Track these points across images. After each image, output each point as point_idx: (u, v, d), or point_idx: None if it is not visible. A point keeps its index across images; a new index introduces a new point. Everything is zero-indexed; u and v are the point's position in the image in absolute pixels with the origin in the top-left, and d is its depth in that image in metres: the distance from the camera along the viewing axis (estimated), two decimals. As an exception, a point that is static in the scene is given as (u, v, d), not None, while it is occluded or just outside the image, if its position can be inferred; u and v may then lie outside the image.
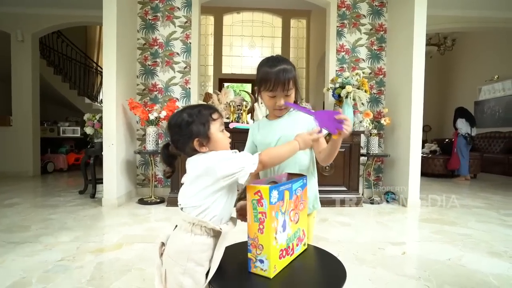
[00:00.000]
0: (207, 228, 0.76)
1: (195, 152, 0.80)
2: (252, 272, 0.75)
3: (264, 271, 0.73)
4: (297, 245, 0.85)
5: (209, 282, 0.74)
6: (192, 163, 0.79)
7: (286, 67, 0.93)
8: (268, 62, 0.95)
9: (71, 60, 6.68)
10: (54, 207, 2.85)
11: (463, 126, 4.90)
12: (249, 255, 0.76)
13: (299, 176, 0.89)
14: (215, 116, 0.80)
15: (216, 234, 0.77)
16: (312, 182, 1.06)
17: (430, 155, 5.28)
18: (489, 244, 1.98)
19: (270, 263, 0.72)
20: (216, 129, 0.80)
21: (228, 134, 0.83)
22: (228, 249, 0.91)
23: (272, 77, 0.92)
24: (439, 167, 5.18)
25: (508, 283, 1.46)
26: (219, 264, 0.75)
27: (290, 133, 0.96)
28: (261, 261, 0.73)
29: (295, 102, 1.02)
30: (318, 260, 0.90)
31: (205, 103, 3.02)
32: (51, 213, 2.64)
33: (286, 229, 0.78)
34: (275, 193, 0.72)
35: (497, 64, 6.58)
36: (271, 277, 0.73)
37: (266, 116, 1.10)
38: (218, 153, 0.78)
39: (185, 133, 0.78)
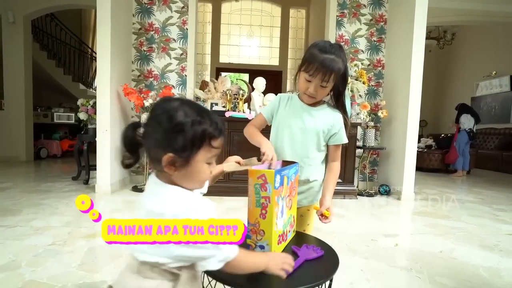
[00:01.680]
0: (161, 269, 0.53)
1: (155, 163, 0.55)
2: None
3: None
4: (289, 231, 0.84)
5: (207, 273, 0.63)
6: (149, 204, 0.55)
7: (335, 58, 0.88)
8: (320, 45, 0.91)
9: (65, 44, 6.53)
10: (46, 193, 2.82)
11: (466, 121, 4.89)
12: (248, 241, 0.74)
13: (292, 163, 0.88)
14: (215, 143, 0.55)
15: (175, 278, 0.54)
16: (321, 172, 1.07)
17: (425, 150, 5.30)
18: (480, 237, 2.00)
19: (271, 249, 0.71)
20: (203, 158, 0.55)
21: (215, 170, 0.64)
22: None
23: (316, 62, 0.88)
24: (434, 161, 5.21)
25: (497, 275, 1.48)
26: None
27: (311, 126, 0.99)
28: (262, 247, 0.72)
29: (337, 99, 1.00)
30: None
31: (218, 110, 2.94)
32: (43, 198, 2.60)
33: (283, 214, 0.77)
34: (278, 178, 0.70)
35: (495, 60, 6.57)
36: None
37: (298, 96, 1.04)
38: (180, 207, 0.52)
39: (166, 135, 0.52)
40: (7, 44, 4.48)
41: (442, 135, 5.74)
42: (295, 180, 0.86)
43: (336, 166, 1.05)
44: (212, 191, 2.86)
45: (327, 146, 1.05)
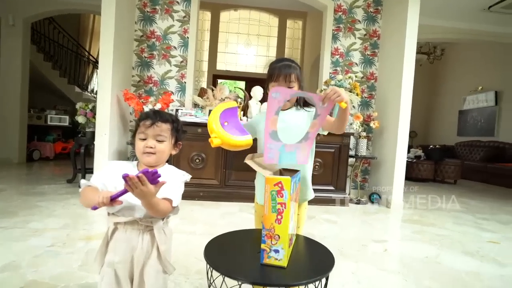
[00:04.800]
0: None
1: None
2: (265, 264, 0.77)
3: (279, 260, 0.77)
4: (293, 234, 0.91)
5: (230, 277, 0.73)
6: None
7: (290, 64, 1.07)
8: (276, 61, 1.12)
9: (63, 47, 6.55)
10: (42, 195, 2.83)
11: None
12: (263, 246, 0.78)
13: (294, 171, 0.96)
14: (141, 123, 0.86)
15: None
16: (310, 170, 1.13)
17: (415, 160, 5.46)
18: (463, 244, 2.12)
19: (285, 252, 0.77)
20: (136, 135, 0.87)
21: (148, 144, 0.84)
22: (223, 240, 0.97)
23: (276, 70, 1.05)
24: (423, 171, 5.37)
25: (477, 279, 1.58)
26: (229, 258, 0.80)
27: (293, 123, 1.07)
28: (276, 251, 0.77)
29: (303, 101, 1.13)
30: (310, 249, 0.97)
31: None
32: (38, 201, 2.62)
33: (292, 219, 0.84)
34: (292, 185, 0.77)
35: (481, 76, 6.85)
36: (285, 266, 0.77)
37: None
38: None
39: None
40: (5, 47, 4.49)
41: (431, 146, 5.92)
42: (298, 187, 0.93)
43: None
44: (208, 197, 2.93)
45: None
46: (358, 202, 3.27)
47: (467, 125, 7.21)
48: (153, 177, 0.69)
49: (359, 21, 3.68)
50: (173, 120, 0.89)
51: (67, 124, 6.13)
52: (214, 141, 0.94)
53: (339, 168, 3.13)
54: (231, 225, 2.27)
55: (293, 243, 0.91)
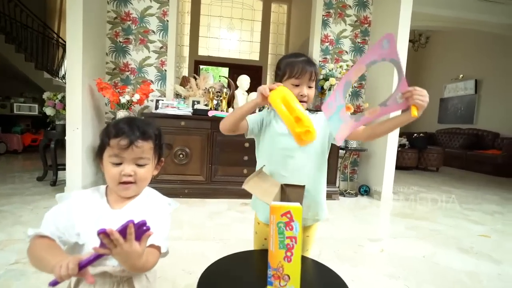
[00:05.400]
0: None
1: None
2: None
3: None
4: None
5: None
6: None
7: (310, 59, 0.94)
8: (291, 54, 0.97)
9: (27, 28, 5.93)
10: (7, 197, 2.55)
11: None
12: None
13: (297, 186, 0.82)
14: (112, 142, 0.63)
15: None
16: (323, 184, 1.00)
17: (399, 149, 5.51)
18: (456, 239, 2.10)
19: None
20: (106, 156, 0.65)
21: (126, 171, 0.64)
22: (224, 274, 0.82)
23: (299, 65, 0.90)
24: (407, 160, 5.44)
25: (478, 280, 1.54)
26: None
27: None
28: None
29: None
30: (320, 277, 0.83)
31: (200, 108, 2.82)
32: (3, 204, 2.34)
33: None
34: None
35: (463, 64, 6.96)
36: None
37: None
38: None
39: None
40: (-43, 26, 3.97)
41: (415, 134, 6.00)
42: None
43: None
44: (193, 193, 2.74)
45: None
46: (348, 195, 3.22)
47: (447, 112, 7.37)
48: (139, 231, 0.51)
49: (349, 6, 3.51)
50: (156, 134, 0.68)
51: (36, 113, 5.65)
52: (312, 135, 0.72)
53: (329, 161, 3.02)
54: (219, 227, 2.13)
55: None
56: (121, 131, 0.63)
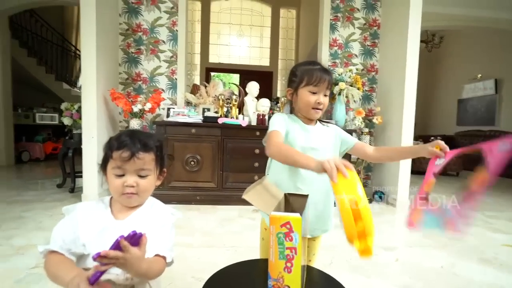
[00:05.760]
0: None
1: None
2: None
3: None
4: (304, 266, 0.77)
5: None
6: None
7: (326, 68, 0.95)
8: (308, 62, 0.97)
9: (47, 42, 6.22)
10: (29, 203, 2.66)
11: None
12: None
13: (301, 196, 0.81)
14: (114, 154, 0.66)
15: None
16: (332, 195, 0.97)
17: (415, 152, 5.36)
18: (478, 249, 2.00)
19: None
20: (109, 168, 0.68)
21: (128, 182, 0.66)
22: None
23: (317, 73, 0.91)
24: (424, 164, 5.27)
25: (500, 292, 1.46)
26: None
27: (322, 146, 0.95)
28: None
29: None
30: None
31: (211, 116, 2.86)
32: (24, 210, 2.44)
33: (302, 253, 0.69)
34: (303, 223, 0.62)
35: (481, 64, 6.71)
36: None
37: (293, 116, 1.00)
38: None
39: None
40: (-17, 42, 4.22)
41: (432, 137, 5.81)
42: (307, 218, 0.79)
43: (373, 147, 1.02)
44: (204, 200, 2.76)
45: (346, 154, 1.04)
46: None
47: (466, 114, 7.11)
48: (133, 241, 0.53)
49: (357, 9, 3.49)
50: (157, 146, 0.70)
51: (57, 122, 5.88)
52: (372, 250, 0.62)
53: (341, 166, 2.98)
54: (230, 234, 2.13)
55: (304, 281, 0.76)
56: (123, 144, 0.65)
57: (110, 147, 0.67)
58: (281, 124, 0.92)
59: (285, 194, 0.86)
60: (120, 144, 0.65)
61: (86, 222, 0.65)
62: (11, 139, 4.63)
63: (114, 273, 0.63)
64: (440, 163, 0.84)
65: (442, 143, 0.84)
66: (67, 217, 0.67)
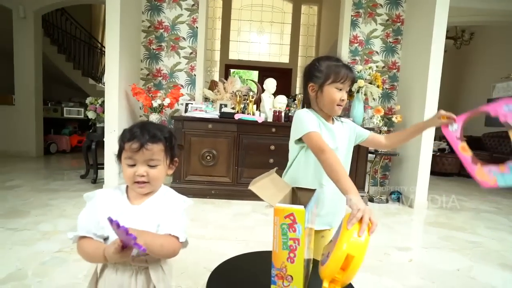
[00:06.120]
0: None
1: None
2: None
3: None
4: (309, 260, 0.78)
5: None
6: None
7: (349, 65, 0.97)
8: (331, 58, 0.97)
9: (75, 39, 6.53)
10: (55, 192, 2.82)
11: None
12: (273, 287, 0.67)
13: (309, 190, 0.82)
14: (126, 145, 0.70)
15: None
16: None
17: (438, 153, 5.16)
18: (500, 254, 1.91)
19: None
20: (123, 158, 0.72)
21: (139, 172, 0.69)
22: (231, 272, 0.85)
23: (344, 70, 0.93)
24: (447, 165, 5.07)
25: (520, 300, 1.40)
26: None
27: (342, 144, 1.00)
28: None
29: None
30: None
31: (227, 112, 2.92)
32: (51, 199, 2.60)
33: (307, 246, 0.71)
34: (307, 215, 0.64)
35: (515, 61, 6.32)
36: None
37: (314, 112, 1.00)
38: None
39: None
40: (18, 39, 4.49)
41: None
42: (315, 212, 0.80)
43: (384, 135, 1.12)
44: (219, 194, 2.82)
45: (360, 145, 1.13)
46: (379, 201, 3.09)
47: (496, 114, 6.73)
48: (127, 238, 0.56)
49: (380, 5, 3.39)
50: (165, 137, 0.73)
51: (82, 116, 6.17)
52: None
53: (357, 165, 2.94)
54: (243, 229, 2.16)
55: (309, 273, 0.77)
56: (133, 136, 0.69)
57: (123, 138, 0.71)
58: (316, 124, 0.92)
59: (293, 188, 0.88)
60: (131, 135, 0.69)
61: (105, 207, 0.70)
62: (41, 132, 4.92)
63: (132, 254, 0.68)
64: (455, 128, 0.93)
65: (445, 112, 0.95)
66: (88, 204, 0.72)
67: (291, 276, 0.64)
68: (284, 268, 0.65)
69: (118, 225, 0.54)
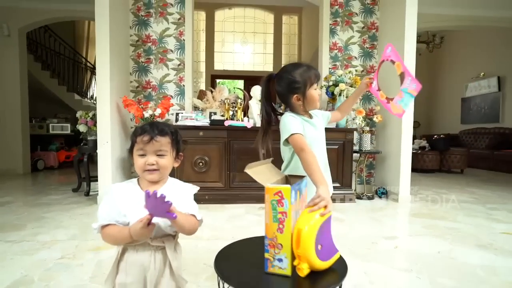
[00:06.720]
0: None
1: None
2: (269, 272, 0.78)
3: (283, 269, 0.77)
4: None
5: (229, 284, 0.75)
6: None
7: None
8: (295, 65, 1.13)
9: (59, 55, 6.53)
10: (48, 206, 2.83)
11: None
12: (266, 255, 0.78)
13: (301, 177, 0.94)
14: (138, 139, 0.81)
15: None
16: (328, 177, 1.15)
17: (419, 151, 5.42)
18: (476, 237, 2.08)
19: (289, 261, 0.76)
20: (135, 151, 0.83)
21: (149, 161, 0.80)
22: (231, 249, 0.96)
23: (312, 71, 1.11)
24: (428, 162, 5.33)
25: (494, 273, 1.55)
26: (241, 268, 0.82)
27: (321, 131, 1.18)
28: (280, 260, 0.77)
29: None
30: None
31: (217, 119, 3.04)
32: (45, 212, 2.61)
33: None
34: (293, 193, 0.76)
35: (483, 62, 6.77)
36: (290, 274, 0.77)
37: (298, 114, 1.14)
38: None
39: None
40: (1, 57, 4.48)
41: (435, 136, 5.87)
42: (305, 194, 0.91)
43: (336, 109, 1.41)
44: (213, 199, 2.91)
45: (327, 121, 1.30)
46: (366, 198, 3.24)
47: (470, 112, 7.15)
48: (163, 205, 0.68)
49: (356, 13, 3.63)
50: (171, 132, 0.85)
51: (69, 132, 6.13)
52: (304, 272, 0.75)
53: (343, 164, 3.10)
54: (237, 229, 2.25)
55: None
56: (144, 130, 0.81)
57: (135, 133, 0.83)
58: (299, 126, 1.06)
59: (285, 176, 1.01)
60: (142, 130, 0.82)
61: (122, 197, 0.80)
62: (27, 149, 4.86)
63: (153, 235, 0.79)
64: (374, 84, 1.28)
65: (366, 79, 1.30)
66: (105, 197, 0.82)
67: (281, 244, 0.77)
68: (275, 237, 0.77)
69: (155, 194, 0.65)
